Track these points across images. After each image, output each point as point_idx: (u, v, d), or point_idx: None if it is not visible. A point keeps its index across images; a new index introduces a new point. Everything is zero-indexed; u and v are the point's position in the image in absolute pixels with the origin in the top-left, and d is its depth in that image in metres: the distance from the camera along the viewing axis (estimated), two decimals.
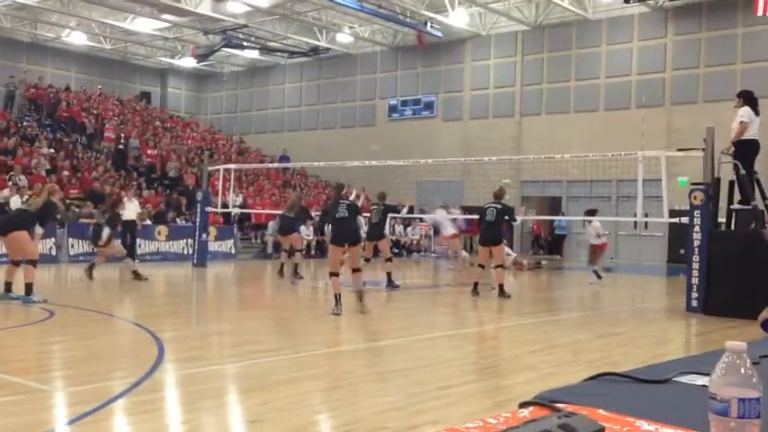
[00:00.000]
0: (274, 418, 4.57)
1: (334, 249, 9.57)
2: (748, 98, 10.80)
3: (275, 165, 27.06)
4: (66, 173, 21.29)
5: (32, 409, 4.64)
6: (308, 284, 13.94)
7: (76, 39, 30.65)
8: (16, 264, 10.16)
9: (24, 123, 25.75)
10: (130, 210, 18.05)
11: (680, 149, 12.41)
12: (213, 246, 19.67)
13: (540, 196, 26.85)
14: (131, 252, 18.36)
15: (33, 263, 10.04)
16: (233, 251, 20.92)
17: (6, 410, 4.56)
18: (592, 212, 16.19)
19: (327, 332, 8.48)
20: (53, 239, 17.10)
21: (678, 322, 10.13)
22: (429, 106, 29.63)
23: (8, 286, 9.93)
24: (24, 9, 26.78)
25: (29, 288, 9.79)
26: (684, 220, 11.00)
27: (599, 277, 15.47)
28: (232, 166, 19.43)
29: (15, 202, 17.32)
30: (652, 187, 12.23)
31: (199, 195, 17.77)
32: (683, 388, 1.69)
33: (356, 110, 31.89)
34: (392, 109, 30.68)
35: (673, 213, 12.11)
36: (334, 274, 9.46)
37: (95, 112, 28.08)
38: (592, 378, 1.81)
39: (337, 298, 9.24)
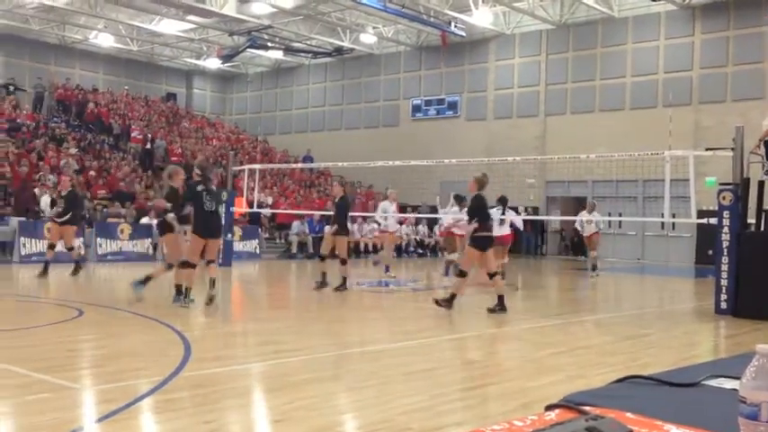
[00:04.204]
0: (299, 418, 4.58)
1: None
2: None
3: (299, 165, 27.18)
4: (92, 173, 21.57)
5: (60, 407, 4.70)
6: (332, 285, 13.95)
7: (104, 40, 31.03)
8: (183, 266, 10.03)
9: (52, 124, 26.12)
10: None
11: (708, 149, 12.25)
12: (238, 246, 19.78)
13: (565, 196, 26.67)
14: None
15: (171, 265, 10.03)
16: (257, 251, 21.03)
17: (34, 408, 4.62)
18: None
19: (351, 332, 8.49)
20: (81, 239, 17.31)
21: (707, 324, 10.00)
22: (453, 106, 29.56)
23: (186, 291, 9.76)
24: (52, 11, 27.17)
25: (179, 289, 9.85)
26: (713, 220, 10.85)
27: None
28: (257, 166, 19.54)
29: (45, 202, 17.61)
30: (679, 187, 12.07)
31: (224, 196, 17.87)
32: (713, 391, 1.67)
33: (380, 110, 31.91)
34: (416, 109, 30.66)
35: (701, 214, 11.97)
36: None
37: (122, 112, 28.40)
38: (619, 381, 1.79)
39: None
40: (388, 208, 15.49)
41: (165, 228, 10.17)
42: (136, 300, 9.87)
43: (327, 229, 13.03)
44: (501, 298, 9.97)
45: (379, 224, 16.32)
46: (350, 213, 14.21)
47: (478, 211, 9.98)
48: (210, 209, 9.77)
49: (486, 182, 10.24)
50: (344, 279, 12.31)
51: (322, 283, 12.25)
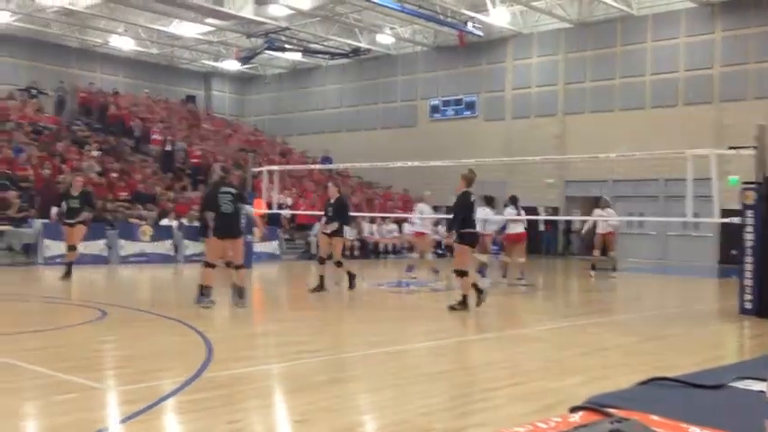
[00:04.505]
0: (320, 419, 4.60)
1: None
2: None
3: (317, 166, 27.22)
4: (114, 175, 21.75)
5: (85, 408, 4.76)
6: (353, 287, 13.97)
7: (124, 44, 31.30)
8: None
9: (74, 127, 26.37)
10: None
11: (731, 147, 12.11)
12: (258, 247, 19.84)
13: (585, 196, 26.50)
14: None
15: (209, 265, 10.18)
16: (278, 252, 21.10)
17: (60, 409, 4.68)
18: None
19: (372, 333, 8.50)
20: (104, 240, 17.48)
21: (731, 325, 9.90)
22: (471, 106, 29.48)
23: (207, 291, 9.95)
24: (73, 15, 27.40)
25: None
26: (736, 220, 10.74)
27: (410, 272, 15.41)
28: (275, 167, 19.59)
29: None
30: (702, 186, 11.94)
31: None
32: (739, 393, 1.66)
33: (397, 110, 31.90)
34: (434, 109, 30.62)
35: (724, 213, 11.84)
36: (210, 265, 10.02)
37: (142, 115, 28.62)
38: (644, 383, 1.78)
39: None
40: (425, 209, 15.50)
41: (207, 230, 10.31)
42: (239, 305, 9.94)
43: (321, 227, 12.94)
44: (465, 298, 9.92)
45: (400, 227, 16.33)
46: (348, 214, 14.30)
47: (464, 209, 9.93)
48: (226, 211, 9.88)
49: (474, 178, 10.16)
50: (350, 274, 12.32)
51: (320, 287, 12.10)
